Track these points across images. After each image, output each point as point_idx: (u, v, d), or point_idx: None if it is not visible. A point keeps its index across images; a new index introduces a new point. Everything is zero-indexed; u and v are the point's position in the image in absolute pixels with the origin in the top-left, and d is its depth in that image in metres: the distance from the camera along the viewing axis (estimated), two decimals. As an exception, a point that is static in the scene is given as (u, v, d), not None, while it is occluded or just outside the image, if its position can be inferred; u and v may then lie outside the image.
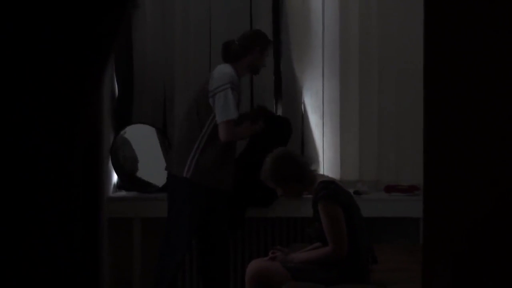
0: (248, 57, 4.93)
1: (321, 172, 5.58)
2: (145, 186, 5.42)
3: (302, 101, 5.68)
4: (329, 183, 4.26)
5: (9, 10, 1.19)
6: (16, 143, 1.21)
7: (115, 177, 5.55)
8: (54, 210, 1.27)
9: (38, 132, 1.24)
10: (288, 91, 5.67)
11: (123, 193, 5.55)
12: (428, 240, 1.69)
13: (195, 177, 4.75)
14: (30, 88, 1.23)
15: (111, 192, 5.48)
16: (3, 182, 1.23)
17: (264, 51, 5.00)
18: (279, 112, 5.65)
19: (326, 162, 5.68)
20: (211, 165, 4.75)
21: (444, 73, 1.72)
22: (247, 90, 5.58)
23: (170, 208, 4.87)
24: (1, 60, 1.21)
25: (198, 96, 4.84)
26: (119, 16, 1.32)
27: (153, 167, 5.40)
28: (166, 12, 5.58)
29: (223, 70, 4.85)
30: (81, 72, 1.28)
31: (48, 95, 1.24)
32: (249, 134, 5.04)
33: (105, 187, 5.08)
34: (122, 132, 5.43)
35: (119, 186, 5.59)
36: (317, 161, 5.67)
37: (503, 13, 1.71)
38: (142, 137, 5.43)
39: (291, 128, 5.38)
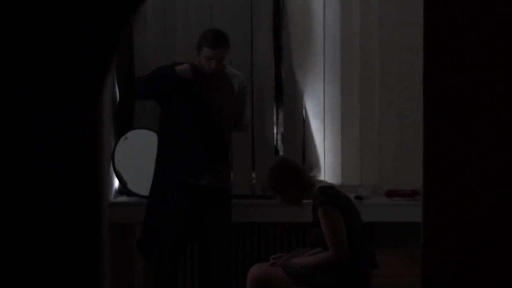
0: (197, 58, 4.98)
1: (322, 177, 5.58)
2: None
3: (303, 106, 5.68)
4: (328, 188, 4.27)
5: (19, 23, 1.20)
6: (18, 148, 1.22)
7: (116, 183, 5.55)
8: (54, 215, 1.27)
9: (40, 138, 1.24)
10: (289, 96, 5.67)
11: (124, 198, 5.55)
12: (428, 244, 1.70)
13: None
14: (32, 95, 1.23)
15: (112, 198, 5.49)
16: (6, 187, 1.23)
17: (200, 51, 4.91)
18: (280, 119, 5.65)
19: (327, 167, 5.68)
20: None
21: (443, 80, 1.73)
22: (247, 95, 5.58)
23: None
24: (8, 68, 1.22)
25: None
26: (120, 25, 1.33)
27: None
28: (167, 16, 5.59)
29: None
30: (83, 80, 1.28)
31: (49, 101, 1.25)
32: None
33: (106, 192, 5.08)
34: (123, 138, 5.44)
35: (120, 191, 5.59)
36: (318, 166, 5.67)
37: (503, 22, 1.71)
38: (143, 142, 5.43)
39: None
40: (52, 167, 1.33)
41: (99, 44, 1.31)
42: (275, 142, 5.66)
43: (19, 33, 1.24)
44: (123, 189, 5.54)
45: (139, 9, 1.40)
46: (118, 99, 5.55)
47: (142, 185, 5.32)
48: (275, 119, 5.66)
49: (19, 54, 1.26)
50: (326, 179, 5.41)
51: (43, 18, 1.26)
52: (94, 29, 1.29)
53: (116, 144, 5.42)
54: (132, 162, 5.39)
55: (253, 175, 5.67)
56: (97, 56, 1.33)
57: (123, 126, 5.51)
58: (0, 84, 1.30)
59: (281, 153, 5.63)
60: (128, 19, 1.36)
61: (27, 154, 1.30)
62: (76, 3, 1.31)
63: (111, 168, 5.41)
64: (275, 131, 5.66)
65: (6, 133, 1.29)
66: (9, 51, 1.27)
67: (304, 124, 5.69)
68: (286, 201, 4.37)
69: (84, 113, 1.36)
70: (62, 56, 1.28)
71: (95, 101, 1.40)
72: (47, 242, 1.35)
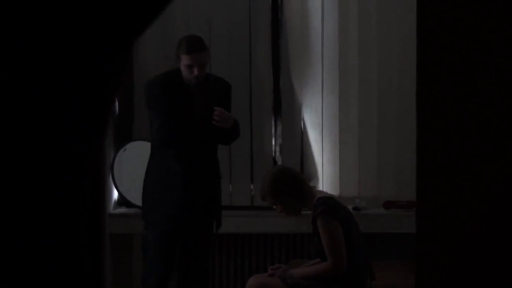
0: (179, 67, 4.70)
1: (320, 188, 5.59)
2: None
3: (302, 117, 5.70)
4: (327, 199, 4.28)
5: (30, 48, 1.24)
6: (20, 157, 1.24)
7: (115, 194, 5.57)
8: (59, 226, 1.29)
9: (44, 148, 1.26)
10: (287, 107, 5.70)
11: (123, 209, 5.56)
12: (421, 255, 1.71)
13: None
14: (40, 106, 1.26)
15: (111, 209, 5.50)
16: (9, 194, 1.25)
17: (179, 60, 4.61)
18: (278, 130, 5.68)
19: (326, 178, 5.69)
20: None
21: (436, 88, 1.75)
22: (246, 106, 5.61)
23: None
24: (19, 85, 1.24)
25: None
26: (126, 55, 1.36)
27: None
28: (166, 28, 5.61)
29: None
30: (90, 100, 1.31)
31: (55, 112, 1.27)
32: None
33: (106, 203, 5.10)
34: (122, 149, 5.46)
35: (120, 202, 5.61)
36: (317, 177, 5.69)
37: (496, 26, 1.73)
38: (142, 154, 5.44)
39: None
40: (55, 178, 1.35)
41: (107, 73, 1.34)
42: (273, 154, 5.68)
43: (37, 58, 1.27)
44: (122, 200, 5.55)
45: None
46: (117, 110, 5.56)
47: (141, 197, 5.33)
48: (273, 130, 5.68)
49: (40, 67, 1.28)
50: (325, 190, 5.43)
51: (55, 43, 1.29)
52: (104, 53, 1.32)
53: (115, 155, 5.44)
54: (131, 174, 5.39)
55: (252, 186, 5.68)
56: (106, 78, 1.35)
57: (122, 138, 5.52)
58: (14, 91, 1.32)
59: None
60: (134, 43, 1.39)
61: (29, 164, 1.32)
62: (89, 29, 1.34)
63: (110, 179, 5.43)
64: (273, 142, 5.68)
65: (10, 141, 1.31)
66: (32, 56, 1.30)
67: (302, 135, 5.71)
68: (285, 210, 4.37)
69: (89, 126, 1.38)
70: (72, 75, 1.31)
71: (101, 119, 1.42)
72: (48, 252, 1.37)
